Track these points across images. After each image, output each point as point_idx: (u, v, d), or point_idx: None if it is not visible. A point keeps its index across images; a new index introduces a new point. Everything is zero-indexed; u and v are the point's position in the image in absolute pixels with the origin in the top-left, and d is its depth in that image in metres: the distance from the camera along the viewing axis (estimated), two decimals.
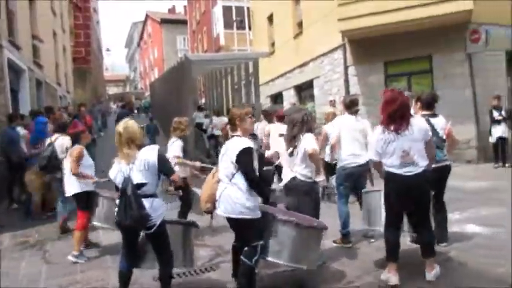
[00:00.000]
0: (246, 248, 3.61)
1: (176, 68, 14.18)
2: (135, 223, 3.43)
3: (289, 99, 16.28)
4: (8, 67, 10.58)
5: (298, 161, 4.42)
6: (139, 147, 3.61)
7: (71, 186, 5.43)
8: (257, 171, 3.69)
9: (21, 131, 8.72)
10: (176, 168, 5.85)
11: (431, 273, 3.87)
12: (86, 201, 5.39)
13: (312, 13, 14.01)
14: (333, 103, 10.79)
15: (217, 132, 13.20)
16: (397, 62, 11.69)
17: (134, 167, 3.52)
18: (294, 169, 4.46)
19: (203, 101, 22.23)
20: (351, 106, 5.28)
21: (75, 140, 5.59)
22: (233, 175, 3.62)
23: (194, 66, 12.52)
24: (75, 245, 5.35)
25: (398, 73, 11.86)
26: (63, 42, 21.33)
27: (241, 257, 3.60)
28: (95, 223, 5.43)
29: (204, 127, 14.45)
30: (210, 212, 3.96)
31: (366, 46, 11.65)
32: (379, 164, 4.02)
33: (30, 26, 13.92)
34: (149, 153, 3.57)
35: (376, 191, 4.58)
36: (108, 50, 50.79)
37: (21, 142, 8.53)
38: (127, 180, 3.47)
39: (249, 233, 3.64)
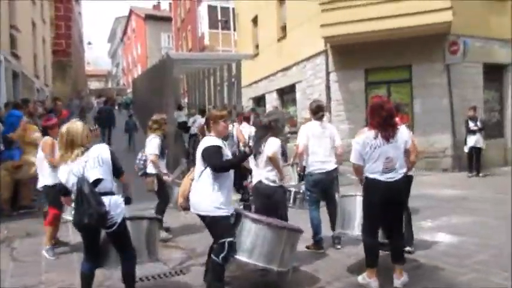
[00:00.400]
0: (214, 245, 3.69)
1: (158, 66, 14.05)
2: (95, 222, 3.29)
3: (272, 102, 16.33)
4: None
5: (263, 164, 4.47)
6: (83, 146, 3.53)
7: (42, 178, 5.38)
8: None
9: None
10: (150, 164, 5.89)
11: (400, 280, 3.92)
12: (54, 195, 5.18)
13: (295, 17, 14.07)
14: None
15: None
16: (378, 69, 11.84)
17: (87, 164, 3.45)
18: (259, 172, 4.51)
19: (186, 100, 22.08)
20: (316, 111, 5.26)
21: (46, 133, 5.50)
22: (201, 172, 3.73)
23: (176, 65, 12.41)
24: (46, 239, 5.31)
25: (379, 81, 12.00)
26: (42, 33, 20.88)
27: (211, 254, 3.68)
28: (66, 217, 5.34)
29: (188, 125, 14.32)
30: (185, 208, 4.04)
31: (347, 53, 11.76)
32: (360, 169, 4.03)
33: (8, 15, 13.57)
34: (101, 150, 3.56)
35: (352, 195, 4.60)
36: (89, 43, 49.85)
37: None
38: (82, 179, 3.36)
39: (216, 230, 3.70)
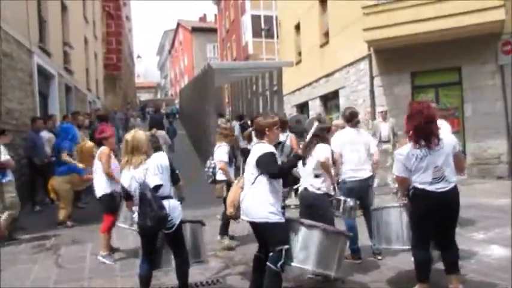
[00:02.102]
0: (271, 253, 3.59)
1: (200, 76, 14.31)
2: (157, 224, 3.58)
3: (315, 109, 16.14)
4: (38, 72, 10.91)
5: (310, 171, 4.47)
6: (146, 154, 3.82)
7: (98, 188, 5.61)
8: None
9: (46, 134, 8.95)
10: (219, 172, 6.05)
11: None
12: (110, 203, 5.51)
13: (338, 22, 13.86)
14: (383, 115, 10.22)
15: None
16: (425, 73, 11.36)
17: (148, 171, 3.72)
18: (306, 179, 4.51)
19: (229, 109, 22.36)
20: (351, 119, 5.14)
21: (100, 144, 5.81)
22: (255, 179, 3.66)
23: (217, 75, 12.57)
24: (102, 246, 5.49)
25: (426, 84, 11.52)
26: (94, 48, 21.91)
27: (267, 262, 3.57)
28: (120, 225, 5.51)
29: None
30: (234, 217, 4.00)
31: (392, 56, 11.39)
32: (405, 181, 3.83)
33: (62, 32, 14.36)
34: (160, 158, 3.83)
35: (392, 207, 4.38)
36: (139, 57, 51.87)
37: (46, 146, 8.75)
38: (144, 184, 3.65)
39: (273, 238, 3.61)
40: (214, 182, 6.14)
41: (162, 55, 71.10)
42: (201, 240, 4.26)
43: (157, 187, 3.70)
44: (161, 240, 3.88)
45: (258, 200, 3.62)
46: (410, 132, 3.75)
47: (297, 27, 17.91)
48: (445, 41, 10.35)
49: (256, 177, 3.66)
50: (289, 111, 18.23)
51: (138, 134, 3.91)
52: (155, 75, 77.83)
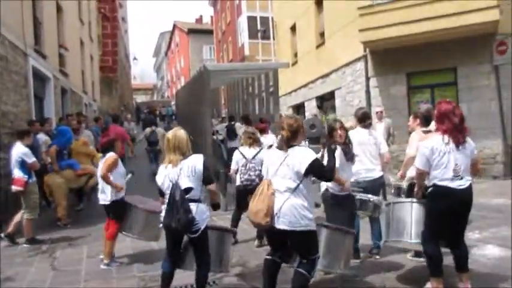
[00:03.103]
0: (304, 261, 3.55)
1: (196, 78, 14.29)
2: (182, 227, 3.60)
3: (311, 109, 16.16)
4: (33, 75, 10.85)
5: None
6: (184, 154, 3.81)
7: (103, 195, 5.41)
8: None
9: (42, 137, 8.91)
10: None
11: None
12: (117, 211, 5.37)
13: (334, 23, 13.90)
14: (379, 115, 10.17)
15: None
16: (421, 73, 11.41)
17: (182, 172, 3.72)
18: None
19: (225, 110, 22.34)
20: (363, 119, 5.16)
21: (107, 149, 5.53)
22: (297, 186, 3.50)
23: (213, 76, 12.56)
24: (105, 253, 5.36)
25: (422, 85, 11.56)
26: (90, 51, 21.86)
27: (299, 269, 3.54)
28: (125, 233, 5.46)
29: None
30: (269, 226, 3.57)
31: (388, 57, 11.43)
32: (424, 175, 3.90)
33: (57, 34, 14.31)
34: (196, 160, 3.81)
35: (406, 201, 4.40)
36: (135, 59, 51.78)
37: (42, 149, 8.71)
38: (175, 185, 3.66)
39: (310, 245, 3.59)
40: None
41: (159, 57, 71.03)
42: (227, 249, 4.23)
43: (188, 190, 3.70)
44: (187, 242, 3.92)
45: (300, 208, 3.47)
46: (440, 127, 3.82)
47: (293, 29, 17.95)
48: (440, 41, 10.40)
49: (299, 184, 3.51)
50: (286, 112, 18.27)
51: (179, 132, 3.89)
52: (151, 77, 77.86)
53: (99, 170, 5.40)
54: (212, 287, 4.53)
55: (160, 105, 38.45)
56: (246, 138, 6.31)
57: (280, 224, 3.49)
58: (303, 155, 3.52)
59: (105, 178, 5.25)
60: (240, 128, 12.02)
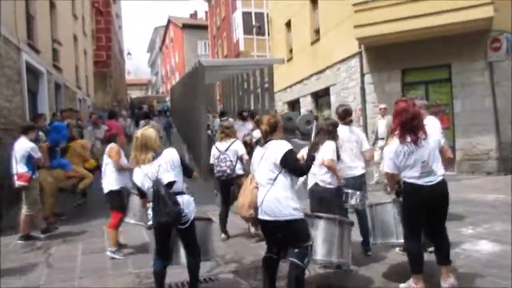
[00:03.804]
0: (296, 250, 3.58)
1: (191, 74, 14.24)
2: (173, 219, 3.61)
3: (306, 106, 16.17)
4: (27, 70, 10.77)
5: (318, 167, 4.53)
6: (155, 151, 3.81)
7: (107, 184, 5.63)
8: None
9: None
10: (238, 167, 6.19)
11: (447, 281, 3.81)
12: (118, 200, 5.56)
13: (329, 20, 13.88)
14: (382, 112, 10.18)
15: None
16: (415, 70, 11.43)
17: (161, 168, 3.74)
18: (316, 175, 4.56)
19: (220, 106, 22.31)
20: (344, 116, 5.17)
21: (109, 142, 5.86)
22: (276, 177, 3.60)
23: (208, 72, 12.52)
24: (110, 241, 5.54)
25: (416, 81, 11.58)
26: (84, 46, 21.70)
27: (291, 259, 3.57)
28: (129, 221, 5.58)
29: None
30: (253, 218, 3.81)
31: (382, 53, 11.44)
32: (394, 177, 3.94)
33: (51, 29, 14.19)
34: (171, 154, 3.85)
35: (386, 202, 4.43)
36: (129, 54, 51.44)
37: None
38: (157, 181, 3.67)
39: (298, 234, 3.60)
40: (230, 177, 6.10)
41: (153, 52, 70.64)
42: (210, 238, 4.31)
43: (171, 184, 3.72)
44: (173, 237, 3.92)
45: (281, 198, 3.56)
46: (397, 129, 3.84)
47: (288, 25, 17.91)
48: (435, 38, 10.42)
49: (278, 175, 3.60)
50: (281, 108, 18.27)
51: (148, 131, 3.90)
52: (146, 72, 77.44)
53: (106, 159, 5.66)
54: (208, 284, 4.53)
55: (155, 101, 38.47)
56: (219, 132, 6.49)
57: (264, 215, 3.62)
58: (279, 147, 3.64)
59: (118, 164, 5.55)
60: (236, 123, 12.07)
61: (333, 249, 3.89)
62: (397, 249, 5.01)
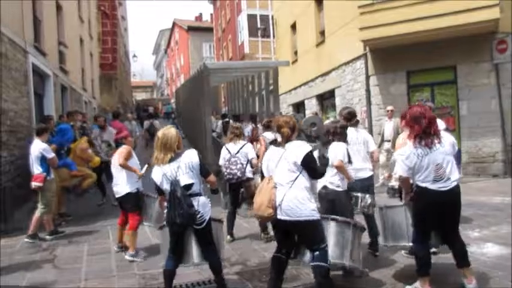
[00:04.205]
0: (316, 253, 3.62)
1: (196, 76, 14.29)
2: (186, 221, 3.69)
3: (311, 108, 16.16)
4: (33, 72, 10.84)
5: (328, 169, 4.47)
6: (174, 152, 3.87)
7: (120, 188, 5.61)
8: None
9: None
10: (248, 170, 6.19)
11: (472, 284, 3.80)
12: (132, 202, 5.58)
13: (334, 22, 13.87)
14: (390, 114, 10.28)
15: None
16: (420, 71, 11.39)
17: (180, 170, 3.80)
18: (325, 177, 4.43)
19: (225, 108, 22.36)
20: (350, 118, 5.16)
21: (120, 144, 5.86)
22: (296, 177, 3.64)
23: (213, 74, 12.56)
24: (130, 245, 5.55)
25: (422, 83, 11.54)
26: (90, 48, 21.81)
27: (315, 263, 3.61)
28: (146, 224, 5.65)
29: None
30: (272, 218, 3.74)
31: (388, 55, 11.41)
32: (407, 181, 3.94)
33: (57, 32, 14.28)
34: (191, 156, 3.90)
35: (398, 206, 4.42)
36: (135, 56, 51.63)
37: None
38: (175, 183, 3.73)
39: (316, 235, 3.65)
40: (240, 180, 6.09)
41: (158, 54, 70.92)
42: (220, 237, 4.39)
43: (188, 186, 3.80)
44: (186, 238, 3.98)
45: (302, 198, 3.60)
46: (415, 134, 3.82)
47: (293, 27, 17.91)
48: (440, 40, 10.39)
49: (298, 175, 3.64)
50: (286, 110, 18.26)
51: (169, 131, 3.95)
52: (151, 74, 77.78)
53: (114, 161, 5.65)
54: (212, 285, 4.53)
55: (160, 103, 38.68)
56: (229, 133, 6.51)
57: (283, 215, 3.62)
58: (300, 147, 3.70)
59: (125, 166, 5.50)
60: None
61: (345, 252, 3.90)
62: (402, 251, 4.99)
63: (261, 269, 4.89)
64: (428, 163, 3.74)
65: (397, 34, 10.45)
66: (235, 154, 6.11)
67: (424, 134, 3.77)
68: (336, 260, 3.88)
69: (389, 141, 9.73)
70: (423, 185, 3.78)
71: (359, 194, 4.71)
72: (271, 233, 5.99)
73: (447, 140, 3.85)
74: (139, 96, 60.16)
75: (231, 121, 12.82)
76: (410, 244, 4.20)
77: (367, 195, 4.73)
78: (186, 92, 18.85)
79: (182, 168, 3.82)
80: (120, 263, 5.44)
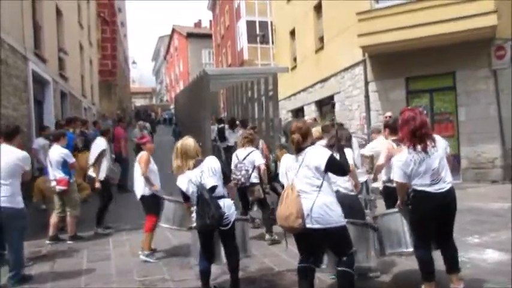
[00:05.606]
0: (344, 258, 3.58)
1: (196, 82, 14.33)
2: (216, 221, 3.86)
3: (310, 114, 16.18)
4: (33, 79, 10.86)
5: None
6: (193, 159, 4.10)
7: (138, 190, 5.82)
8: None
9: (42, 141, 8.92)
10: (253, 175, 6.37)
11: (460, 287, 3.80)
12: (152, 204, 5.75)
13: (333, 28, 13.95)
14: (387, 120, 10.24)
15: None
16: (419, 78, 11.45)
17: (204, 174, 4.02)
18: (336, 182, 4.43)
19: (224, 114, 22.38)
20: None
21: (139, 150, 6.05)
22: (322, 183, 3.58)
23: (212, 80, 12.59)
24: (144, 245, 5.72)
25: (420, 89, 11.60)
26: (89, 55, 21.86)
27: (342, 268, 3.57)
28: (163, 225, 5.71)
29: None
30: (302, 229, 3.56)
31: (386, 62, 11.47)
32: (405, 186, 3.92)
33: (57, 39, 14.33)
34: (213, 161, 4.16)
35: (394, 212, 4.37)
36: (134, 62, 51.77)
37: (40, 153, 8.71)
38: (201, 186, 3.94)
39: (345, 241, 3.64)
40: (244, 185, 6.27)
41: (157, 61, 71.11)
42: (247, 235, 4.59)
43: (213, 188, 4.00)
44: (215, 239, 4.16)
45: (330, 204, 3.55)
46: (405, 138, 3.85)
47: (292, 33, 18.00)
48: (439, 46, 10.45)
49: (323, 181, 3.58)
50: (285, 116, 18.30)
51: (187, 141, 4.20)
52: (150, 80, 77.91)
53: (137, 168, 5.83)
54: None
55: (159, 109, 38.84)
56: (242, 138, 6.65)
57: (314, 224, 3.52)
58: (320, 153, 3.65)
59: (147, 180, 5.72)
60: (226, 130, 12.79)
61: (368, 254, 3.97)
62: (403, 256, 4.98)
63: (261, 274, 4.89)
64: (426, 168, 3.75)
65: (396, 40, 10.51)
66: (242, 160, 6.30)
67: (418, 137, 3.76)
68: (362, 263, 3.90)
69: None
70: (421, 188, 3.78)
71: (371, 197, 4.78)
72: (276, 237, 6.04)
73: (440, 144, 3.86)
74: (138, 102, 60.26)
75: (226, 126, 12.99)
76: (409, 250, 4.15)
77: (373, 197, 4.80)
78: (186, 98, 18.89)
79: (206, 172, 4.04)
80: (119, 268, 5.42)
